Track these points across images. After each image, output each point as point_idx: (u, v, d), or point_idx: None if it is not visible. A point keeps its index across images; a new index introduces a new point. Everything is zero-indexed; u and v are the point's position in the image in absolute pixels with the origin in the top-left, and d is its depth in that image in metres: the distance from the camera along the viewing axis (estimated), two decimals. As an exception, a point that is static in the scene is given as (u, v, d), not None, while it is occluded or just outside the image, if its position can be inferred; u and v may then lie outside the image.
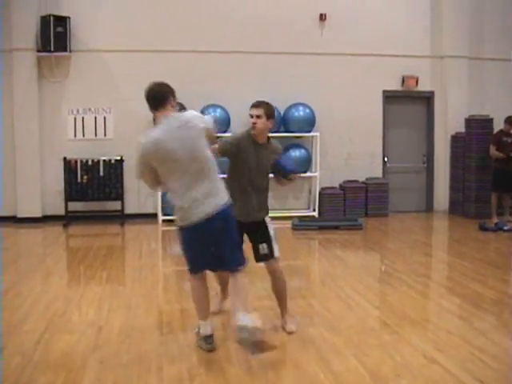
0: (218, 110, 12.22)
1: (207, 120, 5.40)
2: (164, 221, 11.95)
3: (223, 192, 5.23)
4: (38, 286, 7.69)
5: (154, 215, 12.31)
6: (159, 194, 11.89)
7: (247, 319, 5.13)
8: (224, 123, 12.20)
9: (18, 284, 7.76)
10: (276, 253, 5.82)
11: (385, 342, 5.58)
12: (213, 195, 5.12)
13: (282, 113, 12.46)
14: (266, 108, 5.59)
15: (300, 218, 11.93)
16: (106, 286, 7.70)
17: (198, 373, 4.85)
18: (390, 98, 13.44)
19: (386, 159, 13.46)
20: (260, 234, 5.79)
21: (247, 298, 5.52)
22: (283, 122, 12.51)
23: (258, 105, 5.63)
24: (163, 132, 5.10)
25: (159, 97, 5.22)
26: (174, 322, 6.13)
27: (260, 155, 5.66)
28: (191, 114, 5.39)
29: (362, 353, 5.27)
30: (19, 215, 12.18)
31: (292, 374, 4.90)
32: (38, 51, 12.06)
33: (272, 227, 5.86)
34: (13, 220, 12.14)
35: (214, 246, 5.26)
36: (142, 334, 5.80)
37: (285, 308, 5.96)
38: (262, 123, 5.55)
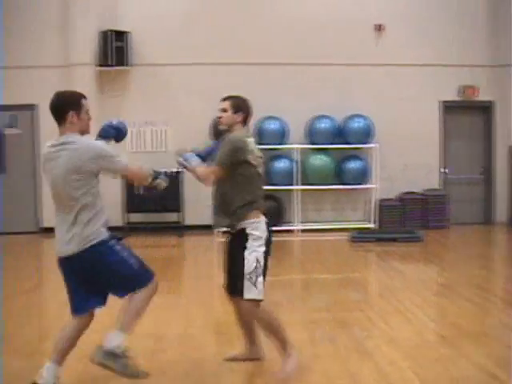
0: (276, 122, 12.26)
1: (112, 160, 4.61)
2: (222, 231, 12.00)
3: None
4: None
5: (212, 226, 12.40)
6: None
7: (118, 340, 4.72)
8: (280, 135, 12.25)
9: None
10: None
11: (442, 356, 5.49)
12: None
13: (339, 124, 12.45)
14: (232, 101, 5.10)
15: (358, 229, 11.87)
16: (164, 297, 7.76)
17: (244, 381, 4.87)
18: (447, 108, 13.30)
19: (444, 170, 13.32)
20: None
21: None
22: (340, 134, 12.48)
23: (224, 98, 5.17)
24: (47, 148, 4.65)
25: (56, 110, 4.66)
26: (230, 332, 6.14)
27: None
28: (95, 145, 4.60)
29: (419, 366, 5.20)
30: (80, 227, 12.38)
31: (349, 386, 4.88)
32: (98, 66, 12.31)
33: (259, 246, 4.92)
34: (74, 231, 12.33)
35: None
36: (199, 344, 5.85)
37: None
38: (227, 117, 5.06)
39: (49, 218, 12.61)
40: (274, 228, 11.54)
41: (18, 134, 12.66)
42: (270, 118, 12.34)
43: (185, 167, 5.06)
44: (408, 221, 12.69)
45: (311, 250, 11.04)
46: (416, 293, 7.77)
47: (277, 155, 12.45)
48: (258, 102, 12.09)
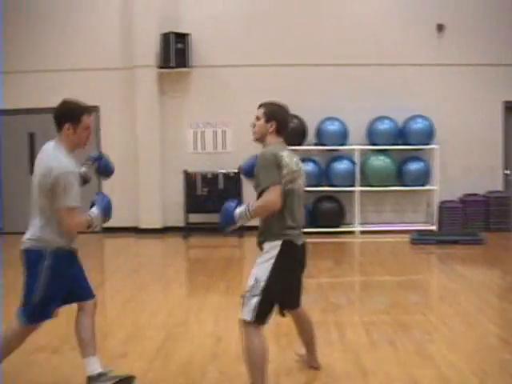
0: (336, 123, 12.22)
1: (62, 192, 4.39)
2: (281, 233, 12.01)
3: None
4: (159, 295, 7.92)
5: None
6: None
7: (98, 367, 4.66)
8: (341, 136, 12.21)
9: (140, 292, 8.02)
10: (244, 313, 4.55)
11: (505, 361, 5.41)
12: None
13: (399, 125, 12.35)
14: (265, 108, 4.72)
15: (419, 231, 11.74)
16: (224, 297, 7.83)
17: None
18: (510, 108, 13.05)
19: (506, 172, 13.08)
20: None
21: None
22: (401, 135, 12.38)
23: (259, 105, 4.81)
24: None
25: (55, 118, 4.57)
26: (291, 334, 6.14)
27: None
28: (58, 166, 4.41)
29: (482, 371, 5.12)
30: (141, 226, 12.59)
31: (410, 389, 4.84)
32: (160, 67, 12.45)
33: (263, 263, 4.66)
34: (135, 231, 12.54)
35: None
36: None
37: None
38: (259, 126, 4.73)
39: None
40: (335, 229, 11.63)
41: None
42: (330, 118, 12.29)
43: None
44: (469, 223, 12.50)
45: (371, 251, 10.96)
46: (478, 296, 7.65)
47: (337, 156, 12.41)
48: (317, 102, 12.31)
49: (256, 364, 4.50)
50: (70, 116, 4.50)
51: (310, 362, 5.20)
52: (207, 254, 10.95)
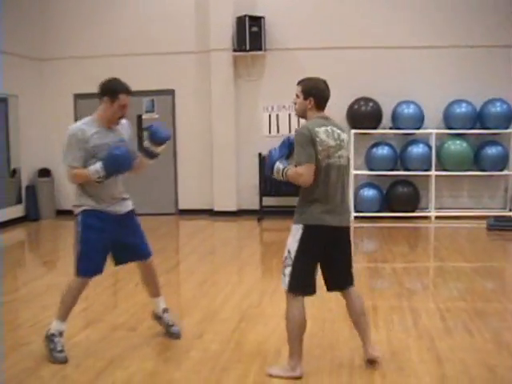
0: (412, 107, 12.06)
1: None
2: (356, 217, 11.98)
3: None
4: (233, 277, 8.00)
5: (346, 211, 12.36)
6: (351, 190, 11.98)
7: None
8: (418, 120, 12.06)
9: (214, 274, 8.12)
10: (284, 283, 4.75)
11: None
12: None
13: (477, 108, 12.11)
14: (302, 85, 4.76)
15: (495, 217, 11.51)
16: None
17: (389, 371, 4.81)
18: None
19: None
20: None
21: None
22: (479, 118, 12.14)
23: (298, 82, 4.85)
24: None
25: (99, 89, 5.15)
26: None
27: None
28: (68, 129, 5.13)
29: (562, 359, 5.05)
30: (216, 209, 12.72)
31: (485, 377, 4.75)
32: (234, 51, 12.50)
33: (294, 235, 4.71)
34: (209, 213, 12.68)
35: None
36: (333, 327, 5.87)
37: None
38: (298, 104, 4.78)
39: (184, 199, 13.03)
40: (410, 214, 11.51)
41: (155, 118, 13.01)
42: (406, 102, 12.13)
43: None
44: (549, 209, 12.22)
45: (446, 237, 10.82)
46: (557, 284, 7.51)
47: (413, 140, 12.25)
48: (393, 86, 12.17)
49: (292, 332, 4.70)
50: (112, 90, 5.01)
51: (366, 354, 4.96)
52: (281, 237, 10.89)
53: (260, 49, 12.36)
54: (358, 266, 8.82)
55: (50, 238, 12.10)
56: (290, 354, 4.76)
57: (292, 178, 4.64)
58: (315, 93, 4.71)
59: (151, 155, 5.31)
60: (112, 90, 5.02)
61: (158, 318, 5.63)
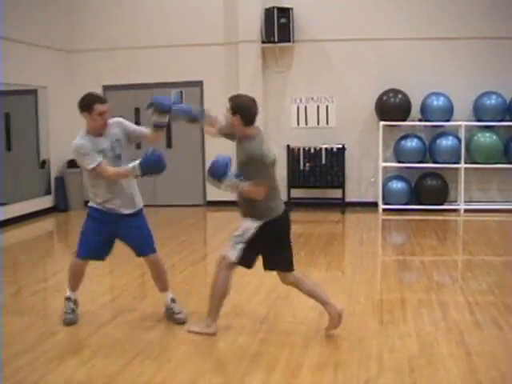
0: (441, 99, 11.95)
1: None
2: (384, 210, 11.94)
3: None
4: (261, 269, 7.95)
5: (375, 204, 12.32)
6: (380, 182, 11.96)
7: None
8: (447, 111, 11.95)
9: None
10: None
11: None
12: None
13: (507, 100, 11.94)
14: (231, 103, 5.21)
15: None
16: (326, 272, 7.86)
17: (418, 364, 4.80)
18: None
19: None
20: None
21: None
22: (509, 111, 11.97)
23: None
24: None
25: (78, 106, 5.65)
26: (394, 311, 6.11)
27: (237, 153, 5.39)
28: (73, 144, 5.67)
29: None
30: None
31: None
32: (263, 42, 12.47)
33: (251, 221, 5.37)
34: (237, 205, 12.65)
35: None
36: (362, 320, 5.86)
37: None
38: (230, 119, 5.26)
39: (212, 191, 13.01)
40: (438, 207, 11.43)
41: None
42: (435, 93, 12.02)
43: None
44: None
45: (475, 230, 10.74)
46: None
47: (442, 132, 12.15)
48: (422, 77, 12.05)
49: (215, 295, 5.40)
50: (85, 105, 5.53)
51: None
52: (309, 230, 10.94)
53: (288, 40, 12.31)
54: (387, 258, 8.87)
55: (78, 228, 12.15)
56: (208, 314, 5.43)
57: (247, 194, 5.17)
58: (241, 111, 5.14)
59: (159, 126, 5.68)
60: (86, 104, 5.52)
61: (168, 309, 5.97)
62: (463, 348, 5.11)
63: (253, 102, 5.24)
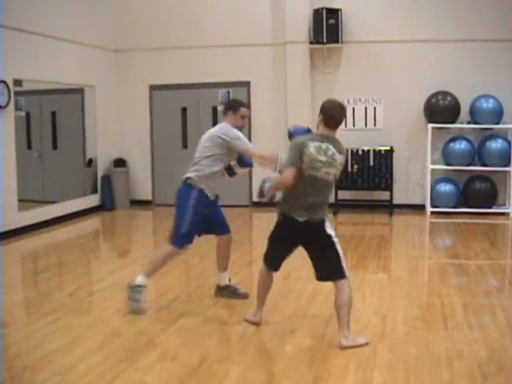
0: (491, 101, 11.82)
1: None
2: (432, 213, 11.87)
3: None
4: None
5: (422, 206, 12.25)
6: (428, 185, 11.88)
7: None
8: (497, 114, 11.83)
9: (298, 268, 8.05)
10: None
11: None
12: None
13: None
14: (322, 104, 5.62)
15: None
16: (383, 275, 7.81)
17: (489, 371, 4.74)
18: None
19: None
20: None
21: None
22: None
23: None
24: None
25: (224, 106, 6.66)
26: (457, 316, 6.05)
27: None
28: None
29: None
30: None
31: None
32: (311, 43, 12.45)
33: None
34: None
35: None
36: (426, 325, 5.81)
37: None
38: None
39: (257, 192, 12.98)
40: (486, 210, 11.31)
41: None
42: (484, 96, 11.89)
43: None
44: None
45: (526, 234, 10.66)
46: None
47: (491, 135, 12.02)
48: (472, 80, 11.93)
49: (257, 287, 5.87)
50: (232, 106, 6.39)
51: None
52: (359, 232, 10.91)
53: (337, 41, 12.28)
54: (441, 261, 8.78)
55: (124, 227, 12.27)
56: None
57: (276, 184, 5.36)
58: (325, 112, 5.36)
59: (231, 173, 6.56)
60: (234, 105, 6.40)
61: (222, 288, 6.68)
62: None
63: (342, 108, 5.52)
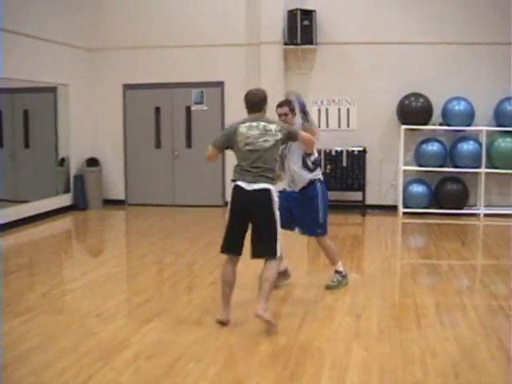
0: (463, 103, 11.94)
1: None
2: (405, 213, 11.97)
3: None
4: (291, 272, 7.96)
5: (394, 207, 12.34)
6: (400, 186, 11.97)
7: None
8: (468, 116, 11.94)
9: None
10: None
11: None
12: None
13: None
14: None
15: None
16: (356, 275, 7.84)
17: (462, 368, 4.80)
18: None
19: None
20: None
21: None
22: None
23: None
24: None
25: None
26: (430, 315, 6.11)
27: None
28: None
29: None
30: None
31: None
32: (285, 44, 12.48)
33: None
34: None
35: None
36: (400, 324, 5.85)
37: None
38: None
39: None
40: (458, 211, 11.41)
41: (203, 110, 13.10)
42: (456, 98, 12.00)
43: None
44: None
45: (497, 234, 10.74)
46: None
47: (463, 137, 12.15)
48: (444, 82, 12.02)
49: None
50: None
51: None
52: (331, 232, 10.90)
53: (311, 42, 12.33)
54: (413, 261, 8.86)
55: (97, 227, 12.22)
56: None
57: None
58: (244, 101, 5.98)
59: None
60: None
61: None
62: (503, 353, 5.12)
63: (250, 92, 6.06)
